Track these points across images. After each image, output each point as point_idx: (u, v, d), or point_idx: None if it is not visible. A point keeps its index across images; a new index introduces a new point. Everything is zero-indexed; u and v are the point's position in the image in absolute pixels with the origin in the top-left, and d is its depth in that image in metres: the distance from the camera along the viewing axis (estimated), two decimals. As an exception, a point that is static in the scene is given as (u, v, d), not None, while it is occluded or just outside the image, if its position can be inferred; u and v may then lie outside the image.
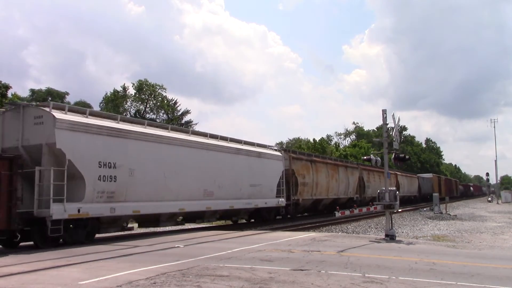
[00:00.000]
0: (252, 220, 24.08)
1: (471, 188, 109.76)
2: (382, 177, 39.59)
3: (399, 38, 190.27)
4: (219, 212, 19.91)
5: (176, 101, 56.89)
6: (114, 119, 15.30)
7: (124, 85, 54.37)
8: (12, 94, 39.75)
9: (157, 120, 50.60)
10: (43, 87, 65.52)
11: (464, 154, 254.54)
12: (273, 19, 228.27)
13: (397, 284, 7.13)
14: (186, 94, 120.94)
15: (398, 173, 48.81)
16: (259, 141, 24.79)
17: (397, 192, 15.52)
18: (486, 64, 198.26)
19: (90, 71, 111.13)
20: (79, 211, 12.81)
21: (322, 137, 77.23)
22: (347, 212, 22.81)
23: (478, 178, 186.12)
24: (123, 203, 14.22)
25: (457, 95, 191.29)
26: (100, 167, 13.50)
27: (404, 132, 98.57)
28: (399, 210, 22.99)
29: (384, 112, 14.94)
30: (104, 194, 13.56)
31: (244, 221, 24.22)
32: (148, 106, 54.56)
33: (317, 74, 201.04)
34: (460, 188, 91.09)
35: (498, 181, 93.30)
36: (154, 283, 7.10)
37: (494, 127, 77.46)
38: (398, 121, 15.71)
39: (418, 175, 60.30)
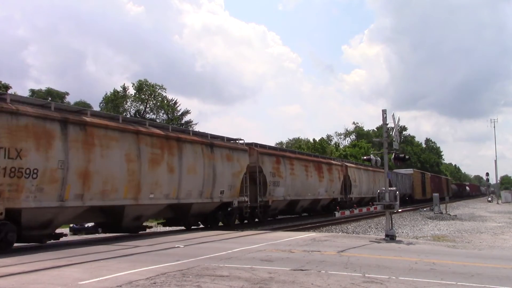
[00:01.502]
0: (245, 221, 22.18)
1: (467, 188, 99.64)
2: (311, 169, 27.76)
3: (399, 38, 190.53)
4: None
5: (176, 101, 56.93)
6: None
7: (124, 85, 54.39)
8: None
9: (157, 120, 50.61)
10: (43, 87, 65.51)
11: (464, 154, 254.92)
12: (273, 19, 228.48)
13: (397, 284, 7.13)
14: (186, 94, 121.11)
15: (349, 164, 35.50)
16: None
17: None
18: (486, 64, 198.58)
19: (90, 71, 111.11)
20: None
21: (322, 137, 77.20)
22: (347, 212, 22.85)
23: (478, 178, 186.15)
24: None
25: (457, 95, 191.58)
26: None
27: (404, 132, 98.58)
28: (399, 210, 22.90)
29: (384, 112, 14.95)
30: None
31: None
32: (148, 106, 54.53)
33: (317, 74, 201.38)
34: (453, 187, 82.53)
35: (498, 181, 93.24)
36: (154, 283, 7.10)
37: (494, 127, 77.44)
38: (398, 121, 15.73)
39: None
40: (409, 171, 52.82)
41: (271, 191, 23.27)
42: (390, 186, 42.03)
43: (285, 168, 24.74)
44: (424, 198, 55.09)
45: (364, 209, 22.57)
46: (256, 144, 23.52)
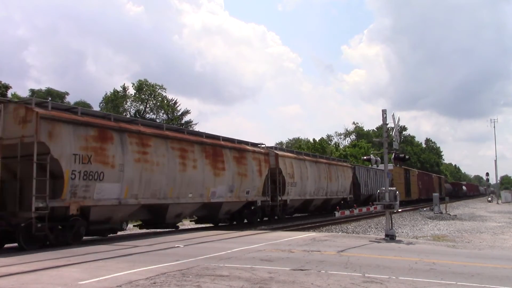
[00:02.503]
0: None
1: (464, 188, 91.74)
2: (196, 156, 17.58)
3: (398, 38, 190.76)
4: None
5: (176, 101, 56.97)
6: None
7: (124, 85, 54.46)
8: (12, 94, 39.80)
9: (157, 120, 50.60)
10: (43, 87, 65.61)
11: (464, 154, 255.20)
12: (273, 19, 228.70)
13: (397, 284, 7.13)
14: (186, 94, 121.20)
15: (283, 153, 24.98)
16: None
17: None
18: (486, 64, 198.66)
19: (90, 71, 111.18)
20: None
21: (322, 137, 77.17)
22: (347, 212, 22.88)
23: (478, 178, 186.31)
24: None
25: (457, 95, 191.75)
26: None
27: (404, 132, 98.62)
28: (400, 209, 22.71)
29: (384, 112, 14.95)
30: None
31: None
32: (148, 106, 54.55)
33: (317, 74, 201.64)
34: (447, 187, 75.21)
35: (498, 181, 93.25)
36: (154, 283, 7.09)
37: (494, 127, 76.97)
38: (398, 121, 15.72)
39: (355, 164, 36.47)
40: (389, 166, 44.49)
41: (77, 190, 12.88)
42: (355, 186, 34.59)
43: (123, 151, 14.44)
44: (408, 200, 45.89)
45: (364, 209, 22.63)
46: (41, 103, 12.91)
